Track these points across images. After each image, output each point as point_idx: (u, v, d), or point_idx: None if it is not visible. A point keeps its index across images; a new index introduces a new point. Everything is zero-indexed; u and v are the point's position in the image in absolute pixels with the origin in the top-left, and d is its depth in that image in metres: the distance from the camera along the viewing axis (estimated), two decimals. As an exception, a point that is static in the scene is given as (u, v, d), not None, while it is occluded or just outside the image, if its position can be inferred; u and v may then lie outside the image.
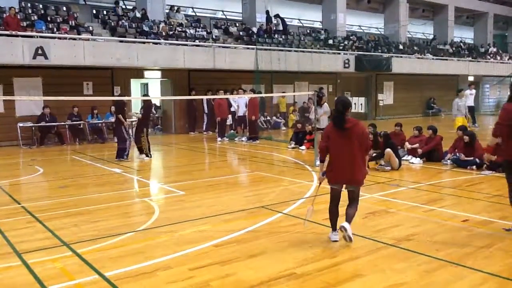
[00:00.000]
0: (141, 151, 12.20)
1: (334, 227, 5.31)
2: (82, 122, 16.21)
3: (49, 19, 16.98)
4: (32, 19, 16.54)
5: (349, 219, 5.16)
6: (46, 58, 14.78)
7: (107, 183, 9.13)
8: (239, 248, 5.03)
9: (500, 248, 4.94)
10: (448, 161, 10.40)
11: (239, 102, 16.26)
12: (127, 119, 12.15)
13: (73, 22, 17.30)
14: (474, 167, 9.73)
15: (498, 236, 5.38)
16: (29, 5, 17.92)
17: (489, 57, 33.33)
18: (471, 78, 30.79)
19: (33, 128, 15.42)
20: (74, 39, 15.93)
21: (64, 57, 15.19)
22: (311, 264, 4.54)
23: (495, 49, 35.24)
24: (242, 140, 16.07)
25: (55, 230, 5.75)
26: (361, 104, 10.60)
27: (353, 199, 5.31)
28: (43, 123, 15.39)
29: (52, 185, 9.07)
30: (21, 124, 15.30)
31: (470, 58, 31.06)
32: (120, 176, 9.94)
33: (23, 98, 15.07)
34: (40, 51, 14.65)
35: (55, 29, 16.33)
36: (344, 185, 5.27)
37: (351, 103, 5.40)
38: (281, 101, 21.99)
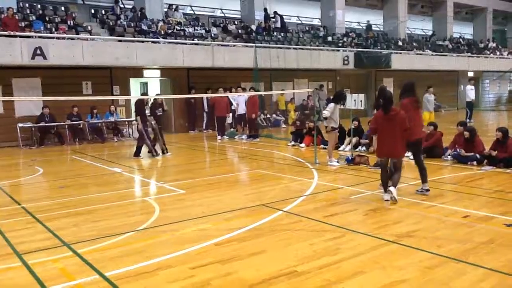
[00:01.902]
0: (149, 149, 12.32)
1: (385, 190, 6.84)
2: (81, 122, 16.19)
3: (47, 19, 16.95)
4: (30, 19, 16.52)
5: (394, 183, 6.81)
6: (44, 58, 14.76)
7: (107, 183, 9.12)
8: (240, 247, 5.02)
9: (502, 244, 4.93)
10: (449, 157, 10.38)
11: (239, 100, 16.24)
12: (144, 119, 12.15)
13: (71, 22, 17.28)
14: (474, 162, 9.71)
15: (499, 231, 5.37)
16: (27, 5, 17.90)
17: (488, 53, 33.29)
18: (470, 74, 30.76)
19: (33, 129, 15.41)
20: (73, 39, 15.91)
21: (63, 57, 15.17)
22: (312, 261, 4.52)
23: (494, 45, 35.21)
24: (242, 138, 16.06)
25: (55, 230, 5.74)
26: (361, 101, 10.53)
27: (396, 168, 6.90)
28: (42, 123, 15.38)
29: (52, 185, 9.05)
30: (20, 125, 15.29)
31: (469, 54, 31.03)
32: (120, 175, 9.93)
33: (22, 98, 15.07)
34: (38, 51, 14.63)
35: (53, 29, 16.30)
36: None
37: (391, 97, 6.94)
38: (280, 98, 21.96)
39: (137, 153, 12.27)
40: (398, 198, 6.75)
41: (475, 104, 21.11)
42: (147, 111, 12.32)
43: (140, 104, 12.15)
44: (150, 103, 12.77)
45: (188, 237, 5.43)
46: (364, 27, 29.05)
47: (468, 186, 7.89)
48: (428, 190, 7.21)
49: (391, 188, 6.70)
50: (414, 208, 6.50)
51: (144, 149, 12.41)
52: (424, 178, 7.29)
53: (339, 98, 10.24)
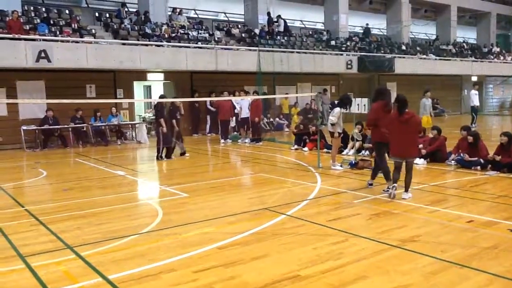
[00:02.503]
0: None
1: (395, 182, 7.27)
2: (85, 124, 16.23)
3: (51, 22, 17.02)
4: (35, 22, 16.58)
5: (406, 187, 7.26)
6: (49, 61, 14.81)
7: (110, 186, 9.13)
8: (243, 250, 5.02)
9: (506, 249, 4.91)
10: (452, 161, 10.36)
11: (242, 104, 16.26)
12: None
13: (75, 25, 17.34)
14: (478, 167, 9.68)
15: (503, 237, 5.35)
16: (31, 8, 17.97)
17: (492, 57, 33.24)
18: (474, 78, 30.71)
19: (37, 131, 15.45)
20: (77, 42, 15.98)
21: (67, 60, 15.22)
22: (315, 266, 4.51)
23: (498, 49, 35.15)
24: (245, 142, 16.07)
25: (58, 233, 5.75)
26: (364, 105, 10.52)
27: (409, 168, 7.30)
28: (46, 126, 15.42)
29: (56, 188, 9.07)
30: (24, 127, 15.34)
31: (473, 58, 30.98)
32: (124, 178, 9.94)
33: (26, 101, 15.11)
34: (43, 54, 14.68)
35: (57, 32, 16.37)
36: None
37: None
38: (284, 102, 21.96)
39: (168, 155, 12.37)
40: (401, 202, 6.74)
41: (479, 109, 21.05)
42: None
43: (161, 107, 12.26)
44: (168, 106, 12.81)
45: (191, 240, 5.43)
46: (362, 31, 28.99)
47: (472, 191, 7.86)
48: (390, 188, 7.37)
49: (404, 195, 7.21)
50: (417, 212, 6.49)
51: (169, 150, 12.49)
52: (386, 177, 7.73)
53: (345, 102, 10.24)
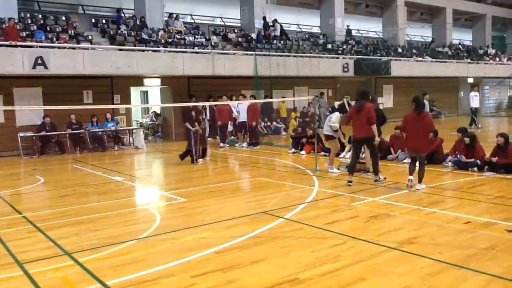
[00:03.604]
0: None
1: (411, 174, 8.05)
2: (82, 130, 16.22)
3: (48, 28, 17.03)
4: (32, 29, 16.59)
5: (420, 179, 8.07)
6: (46, 67, 14.81)
7: (108, 192, 9.12)
8: (241, 254, 5.02)
9: (503, 250, 4.92)
10: (449, 163, 10.38)
11: (240, 108, 16.27)
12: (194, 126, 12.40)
13: (72, 31, 17.36)
14: (475, 168, 9.71)
15: (501, 237, 5.37)
16: (28, 15, 17.98)
17: (488, 59, 33.37)
18: (470, 80, 30.82)
19: (34, 138, 15.43)
20: (74, 48, 15.98)
21: (64, 66, 15.21)
22: (313, 269, 4.52)
23: (494, 51, 35.31)
24: (243, 146, 16.07)
25: (56, 239, 5.74)
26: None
27: (421, 163, 8.12)
28: (43, 133, 15.41)
29: (53, 195, 9.05)
30: (21, 134, 15.32)
31: (469, 60, 31.10)
32: (121, 184, 9.93)
33: (24, 108, 15.09)
34: (39, 61, 14.67)
35: (54, 39, 16.38)
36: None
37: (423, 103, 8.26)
38: (281, 106, 21.99)
39: (182, 157, 12.49)
40: (399, 204, 6.75)
41: (478, 110, 21.13)
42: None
43: (187, 110, 12.46)
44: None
45: (189, 245, 5.42)
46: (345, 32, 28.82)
47: (469, 192, 7.88)
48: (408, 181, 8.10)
49: (418, 186, 8.00)
50: (415, 214, 6.50)
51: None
52: (350, 172, 8.79)
53: (343, 110, 10.33)
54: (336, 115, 10.26)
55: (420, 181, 8.06)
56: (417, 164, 8.15)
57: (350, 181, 8.63)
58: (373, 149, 8.93)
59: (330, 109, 10.52)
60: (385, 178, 8.87)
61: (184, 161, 12.39)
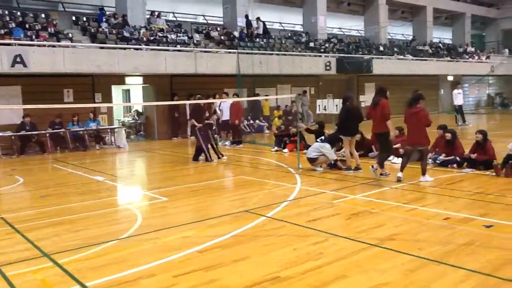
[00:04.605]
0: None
1: (401, 170, 8.57)
2: (63, 130, 15.99)
3: (27, 26, 16.73)
4: (10, 26, 16.27)
5: (423, 171, 8.53)
6: (25, 66, 14.56)
7: (89, 192, 9.01)
8: (223, 253, 5.01)
9: (481, 245, 5.00)
10: (429, 160, 10.49)
11: (223, 106, 16.23)
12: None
13: (52, 29, 17.09)
14: (454, 165, 9.84)
15: (479, 233, 5.45)
16: (6, 12, 17.64)
17: (467, 57, 33.88)
18: (450, 78, 31.25)
19: (13, 137, 15.16)
20: (54, 46, 15.74)
21: (44, 65, 14.99)
22: (295, 267, 4.53)
23: (473, 49, 35.85)
24: (226, 145, 16.04)
25: (35, 240, 5.65)
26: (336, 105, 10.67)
27: (421, 156, 8.66)
28: (23, 132, 15.15)
29: (33, 195, 8.92)
30: (0, 134, 15.04)
31: (449, 58, 31.53)
32: (102, 184, 9.83)
33: (2, 107, 14.81)
34: (18, 59, 14.42)
35: (34, 37, 16.11)
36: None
37: (421, 97, 8.85)
38: (264, 104, 21.98)
39: (195, 158, 12.37)
40: (380, 201, 6.81)
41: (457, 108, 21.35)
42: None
43: (196, 108, 12.34)
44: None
45: (171, 245, 5.39)
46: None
47: (449, 188, 7.99)
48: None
49: (421, 178, 8.47)
50: (395, 211, 6.57)
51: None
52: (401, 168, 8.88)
53: (335, 140, 10.44)
54: (327, 147, 10.19)
55: (424, 174, 8.50)
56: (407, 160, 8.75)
57: (386, 173, 9.09)
58: (384, 145, 9.25)
59: (321, 139, 10.50)
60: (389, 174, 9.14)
61: (199, 162, 12.28)
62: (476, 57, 34.55)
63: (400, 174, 8.54)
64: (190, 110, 12.72)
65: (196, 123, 12.13)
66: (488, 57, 35.39)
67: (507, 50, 37.40)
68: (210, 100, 16.17)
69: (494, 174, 8.82)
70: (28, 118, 15.19)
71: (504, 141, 11.74)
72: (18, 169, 12.09)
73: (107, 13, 20.22)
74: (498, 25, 40.04)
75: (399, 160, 10.66)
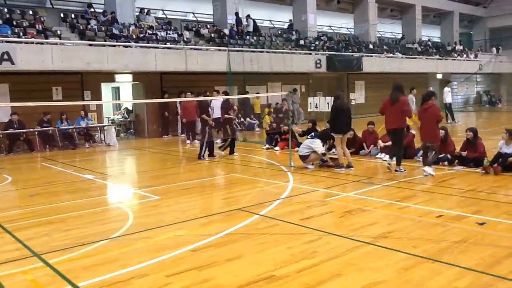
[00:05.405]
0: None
1: (424, 165, 8.92)
2: (51, 128, 15.81)
3: (14, 23, 16.50)
4: (-4, 23, 16.06)
5: (428, 163, 8.85)
6: (12, 63, 14.37)
7: (79, 190, 8.90)
8: (216, 252, 4.96)
9: (474, 243, 5.01)
10: (421, 157, 10.51)
11: (214, 104, 16.13)
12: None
13: (40, 26, 16.88)
14: (445, 163, 9.88)
15: (472, 230, 5.47)
16: (-7, 9, 17.41)
17: (455, 55, 34.14)
18: (439, 76, 31.46)
19: (0, 136, 14.95)
20: (42, 43, 15.55)
21: (32, 62, 14.81)
22: (289, 265, 4.50)
23: (461, 47, 36.13)
24: (217, 142, 15.94)
25: (25, 240, 5.56)
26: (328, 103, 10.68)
27: (434, 151, 8.96)
28: (11, 130, 14.94)
29: (22, 194, 8.79)
30: (-13, 132, 14.84)
31: (438, 57, 31.74)
32: (92, 182, 9.72)
33: (-11, 105, 14.63)
34: (6, 57, 14.24)
35: (21, 34, 15.89)
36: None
37: (434, 93, 9.24)
38: (255, 102, 21.94)
39: (211, 154, 12.44)
40: (373, 199, 6.81)
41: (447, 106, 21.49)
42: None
43: (205, 104, 12.49)
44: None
45: (164, 244, 5.34)
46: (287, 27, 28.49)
47: (441, 186, 8.02)
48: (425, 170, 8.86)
49: (425, 168, 8.77)
50: (388, 209, 6.57)
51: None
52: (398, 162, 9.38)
53: (325, 137, 10.41)
54: (318, 142, 10.15)
55: (429, 165, 8.83)
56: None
57: (401, 169, 9.35)
58: (399, 140, 9.38)
59: (311, 135, 10.45)
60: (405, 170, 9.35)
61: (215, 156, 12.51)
62: (465, 56, 34.83)
63: (430, 170, 8.76)
64: (197, 106, 12.87)
65: (208, 119, 12.25)
66: (476, 56, 35.70)
67: (494, 49, 37.76)
68: (201, 98, 16.18)
69: (483, 172, 8.86)
70: (16, 116, 15.00)
71: (492, 138, 11.87)
72: (6, 168, 11.93)
73: (95, 10, 20.04)
74: (485, 23, 40.43)
75: (387, 157, 10.72)
